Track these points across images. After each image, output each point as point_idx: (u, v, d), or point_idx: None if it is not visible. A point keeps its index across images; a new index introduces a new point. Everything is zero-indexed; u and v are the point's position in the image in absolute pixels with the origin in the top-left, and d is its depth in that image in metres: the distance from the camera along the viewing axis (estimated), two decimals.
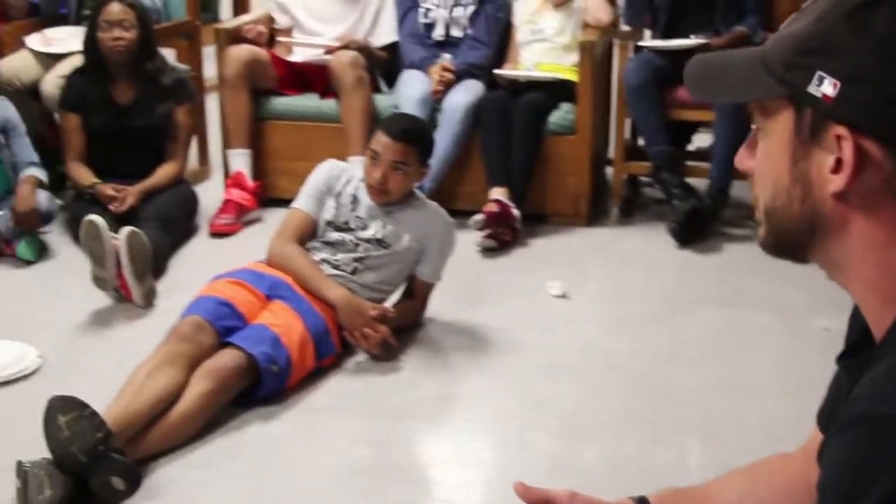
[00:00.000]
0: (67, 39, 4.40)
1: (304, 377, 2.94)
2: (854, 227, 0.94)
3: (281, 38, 4.51)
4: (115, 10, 3.99)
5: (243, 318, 2.90)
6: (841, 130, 0.91)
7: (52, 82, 4.22)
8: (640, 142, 4.39)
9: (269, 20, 4.62)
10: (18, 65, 4.36)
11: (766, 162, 1.00)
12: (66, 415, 2.31)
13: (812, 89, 0.92)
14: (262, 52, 4.35)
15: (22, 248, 3.82)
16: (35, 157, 3.99)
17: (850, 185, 0.92)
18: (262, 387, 2.81)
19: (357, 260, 3.16)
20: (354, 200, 3.20)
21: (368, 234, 3.17)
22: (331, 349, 3.04)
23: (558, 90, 4.26)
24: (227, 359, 2.75)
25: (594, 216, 4.36)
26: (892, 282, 0.93)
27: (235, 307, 2.90)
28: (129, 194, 3.89)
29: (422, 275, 3.27)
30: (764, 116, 1.00)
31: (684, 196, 4.10)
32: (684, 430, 2.73)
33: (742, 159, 1.06)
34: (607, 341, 3.27)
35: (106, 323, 3.38)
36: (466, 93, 4.26)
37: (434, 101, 4.25)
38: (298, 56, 4.51)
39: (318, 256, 3.15)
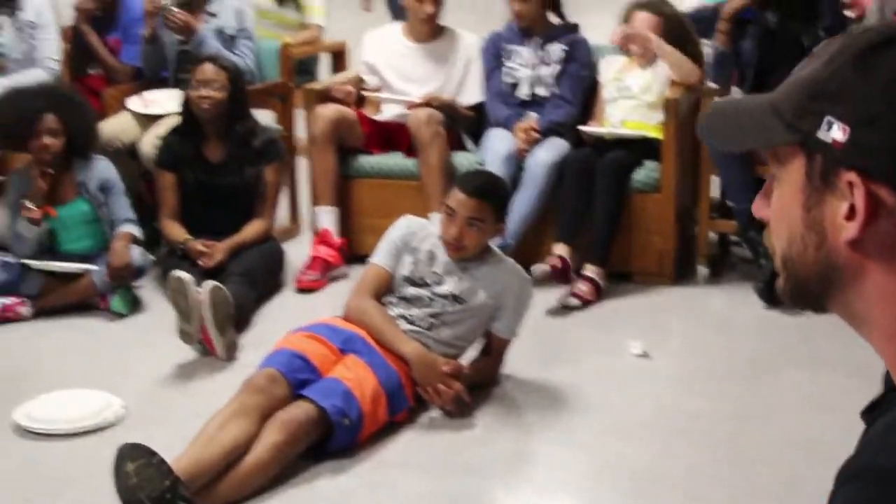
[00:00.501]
0: (165, 101, 4.56)
1: (376, 431, 2.96)
2: (870, 275, 0.91)
3: (367, 94, 4.59)
4: (207, 70, 4.13)
5: (317, 371, 2.94)
6: (852, 177, 0.88)
7: (149, 142, 4.38)
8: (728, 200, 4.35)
9: (359, 81, 4.71)
10: (119, 126, 4.54)
11: (780, 209, 0.99)
12: (134, 462, 2.37)
13: (821, 135, 0.90)
14: (349, 112, 4.44)
15: (115, 302, 3.95)
16: (131, 214, 4.13)
17: (864, 233, 0.89)
18: (333, 440, 2.84)
19: (433, 315, 3.18)
20: (431, 256, 3.23)
21: (444, 289, 3.19)
22: (404, 404, 3.05)
23: (643, 148, 4.26)
24: (299, 411, 2.79)
25: (680, 275, 4.31)
26: None
27: (309, 360, 2.95)
28: (218, 250, 3.99)
29: (498, 331, 3.27)
30: (777, 163, 0.99)
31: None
32: (761, 493, 2.66)
33: (759, 208, 1.03)
34: (686, 401, 3.21)
35: (189, 375, 3.46)
36: (550, 151, 4.28)
37: (519, 160, 4.28)
38: (385, 115, 4.59)
39: (394, 311, 3.19)
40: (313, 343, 3.03)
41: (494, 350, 3.30)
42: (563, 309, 3.98)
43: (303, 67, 5.89)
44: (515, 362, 3.38)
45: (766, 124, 0.96)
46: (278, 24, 5.97)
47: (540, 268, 3.95)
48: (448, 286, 3.20)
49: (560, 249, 4.09)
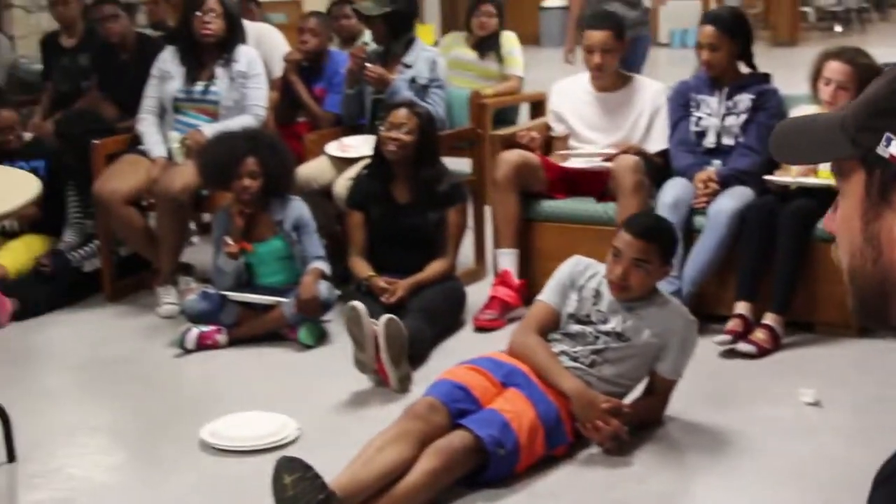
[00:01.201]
0: (361, 146, 4.80)
1: (533, 463, 3.02)
2: None
3: (560, 152, 4.69)
4: (400, 114, 4.34)
5: (477, 402, 3.03)
6: None
7: (342, 184, 4.62)
8: None
9: (545, 128, 4.83)
10: (315, 169, 4.81)
11: (843, 223, 1.01)
12: (291, 475, 2.52)
13: (881, 150, 0.93)
14: (532, 157, 4.55)
15: (303, 334, 4.18)
16: (321, 252, 4.36)
17: None
18: (489, 469, 2.92)
19: (596, 352, 3.22)
20: (597, 294, 3.29)
21: (608, 327, 3.24)
22: (563, 439, 3.10)
23: (829, 197, 4.16)
24: (456, 439, 2.88)
25: (867, 328, 4.17)
26: None
27: (471, 391, 3.05)
28: (399, 287, 4.16)
29: (662, 371, 3.28)
30: (841, 177, 1.01)
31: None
32: None
33: (828, 222, 1.07)
34: (854, 454, 3.12)
35: (363, 403, 3.63)
36: (733, 199, 4.25)
37: (697, 209, 4.27)
38: (572, 162, 4.67)
39: (557, 348, 3.25)
40: (476, 375, 3.13)
41: (658, 390, 3.31)
42: (738, 354, 3.93)
43: (502, 117, 6.08)
44: (680, 403, 3.37)
45: (833, 139, 0.99)
46: (480, 75, 6.20)
47: (721, 338, 3.97)
48: (612, 324, 3.24)
49: (741, 308, 4.06)
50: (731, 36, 4.41)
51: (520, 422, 2.98)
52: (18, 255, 4.92)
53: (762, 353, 3.94)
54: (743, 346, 3.96)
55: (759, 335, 3.98)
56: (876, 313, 0.99)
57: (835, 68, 4.29)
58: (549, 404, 3.09)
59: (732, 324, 4.03)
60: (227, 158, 4.25)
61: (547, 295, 3.36)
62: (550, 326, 3.31)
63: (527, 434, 2.98)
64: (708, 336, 4.15)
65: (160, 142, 4.74)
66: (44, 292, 4.72)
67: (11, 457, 3.25)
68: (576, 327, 3.27)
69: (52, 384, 3.92)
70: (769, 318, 4.03)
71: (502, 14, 6.19)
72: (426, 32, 12.13)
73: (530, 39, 17.65)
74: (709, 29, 4.40)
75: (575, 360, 3.23)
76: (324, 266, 4.31)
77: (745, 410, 3.45)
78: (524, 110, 6.54)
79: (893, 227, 0.93)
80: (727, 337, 3.98)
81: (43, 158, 5.02)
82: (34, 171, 4.96)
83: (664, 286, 4.10)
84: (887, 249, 0.94)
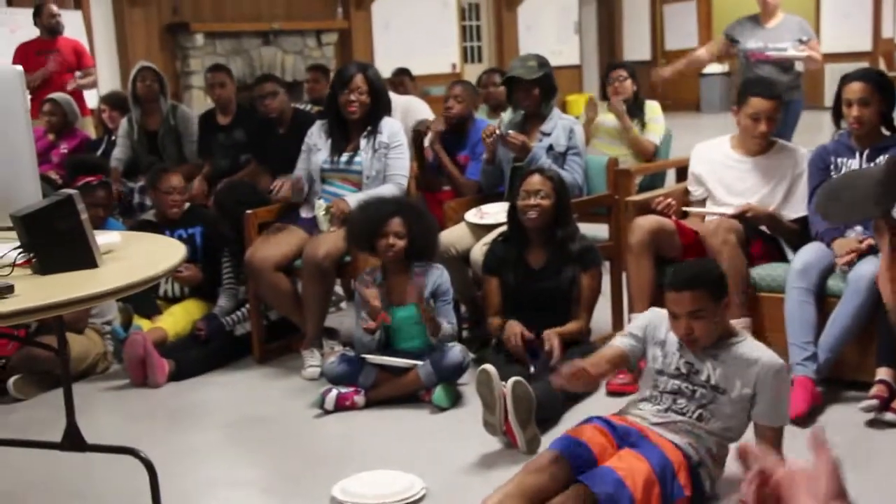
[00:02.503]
0: (498, 213, 4.91)
1: None
2: None
3: (687, 209, 4.69)
4: (534, 180, 4.44)
5: (595, 458, 3.06)
6: None
7: (479, 250, 4.73)
8: None
9: (683, 192, 4.83)
10: (456, 235, 4.94)
11: (882, 274, 1.05)
12: None
13: None
14: (667, 223, 4.56)
15: (437, 396, 4.27)
16: (453, 320, 4.48)
17: None
18: None
19: (701, 406, 3.21)
20: (681, 347, 3.26)
21: (702, 378, 3.22)
22: (679, 492, 3.08)
23: None
24: (573, 494, 2.92)
25: None
26: None
27: (590, 447, 3.08)
28: (553, 335, 4.21)
29: (764, 420, 3.19)
30: (877, 234, 1.06)
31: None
32: None
33: (879, 282, 1.10)
34: None
35: (490, 465, 3.68)
36: (874, 264, 4.14)
37: (841, 272, 4.20)
38: (713, 208, 4.66)
39: (661, 406, 3.25)
40: (595, 432, 3.16)
41: (767, 437, 3.19)
42: (882, 424, 3.82)
43: (647, 183, 6.11)
44: None
45: (865, 200, 1.04)
46: (617, 139, 6.27)
47: (867, 403, 3.88)
48: (704, 375, 3.22)
49: (883, 374, 3.96)
50: (880, 92, 4.35)
51: (633, 479, 2.98)
52: (178, 319, 5.22)
53: None
54: (888, 416, 3.85)
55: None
56: None
57: (852, 88, 4.30)
58: (662, 458, 3.08)
59: (876, 389, 3.92)
60: (373, 219, 4.42)
61: (619, 339, 3.38)
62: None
63: (642, 490, 2.97)
64: (847, 403, 4.08)
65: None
66: (199, 355, 4.99)
67: None
68: (672, 383, 3.26)
69: (200, 441, 4.12)
70: None
71: (635, 76, 6.24)
72: (580, 103, 12.29)
73: (691, 106, 17.63)
74: (858, 85, 4.33)
75: (683, 414, 3.22)
76: (451, 329, 4.40)
77: (875, 472, 3.35)
78: (671, 176, 6.54)
79: None
80: (874, 402, 3.88)
81: (199, 226, 5.35)
82: (191, 237, 5.29)
83: (797, 353, 4.06)
84: None
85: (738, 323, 3.75)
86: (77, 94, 8.00)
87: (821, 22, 15.85)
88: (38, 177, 3.04)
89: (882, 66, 13.51)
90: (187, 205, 5.46)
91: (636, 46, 18.74)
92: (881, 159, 4.35)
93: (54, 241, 2.84)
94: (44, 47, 8.26)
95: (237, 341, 5.15)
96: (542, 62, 5.22)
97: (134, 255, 3.13)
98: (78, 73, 8.32)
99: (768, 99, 4.57)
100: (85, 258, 2.87)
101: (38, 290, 2.66)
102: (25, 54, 8.14)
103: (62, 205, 2.87)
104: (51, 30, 8.20)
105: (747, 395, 3.20)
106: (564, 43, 17.27)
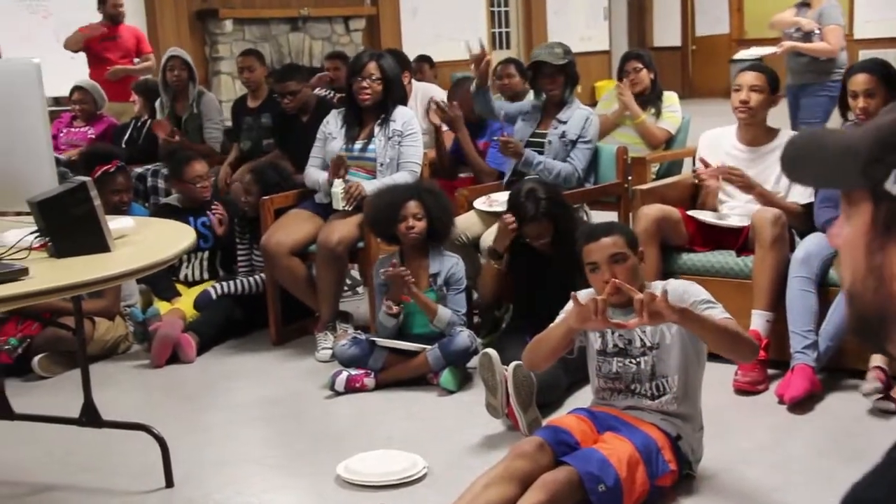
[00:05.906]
0: (506, 201, 4.99)
1: (643, 498, 3.10)
2: None
3: (695, 213, 4.75)
4: (531, 229, 4.48)
5: (578, 444, 3.16)
6: None
7: (488, 237, 4.83)
8: None
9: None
10: (467, 222, 5.04)
11: (847, 248, 1.01)
12: None
13: (889, 186, 0.93)
14: (673, 211, 4.63)
15: (445, 378, 4.38)
16: (463, 308, 4.59)
17: None
18: None
19: (652, 377, 3.25)
20: None
21: (637, 345, 3.26)
22: (664, 467, 3.17)
23: None
24: (560, 474, 3.00)
25: None
26: None
27: (572, 434, 3.18)
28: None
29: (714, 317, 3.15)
30: (848, 203, 1.01)
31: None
32: None
33: (833, 238, 1.06)
34: None
35: (492, 446, 3.79)
36: None
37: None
38: (706, 217, 4.71)
39: (624, 403, 3.31)
40: (577, 420, 3.27)
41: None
42: (878, 413, 3.89)
43: (664, 170, 6.17)
44: (809, 458, 3.37)
45: (843, 166, 0.98)
46: (636, 128, 6.32)
47: (871, 387, 3.92)
48: (637, 342, 3.26)
49: (878, 360, 4.01)
50: (886, 83, 4.38)
51: (618, 457, 3.05)
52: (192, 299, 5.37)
53: None
54: (885, 405, 3.91)
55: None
56: (874, 335, 1.01)
57: (858, 80, 4.33)
58: (644, 436, 3.16)
59: (874, 374, 3.94)
60: (391, 204, 4.53)
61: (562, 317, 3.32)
62: None
63: (626, 467, 3.05)
64: (847, 392, 4.14)
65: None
66: (215, 318, 5.19)
67: (169, 483, 3.58)
68: (617, 363, 3.28)
69: (213, 419, 4.25)
70: None
71: (651, 64, 6.28)
72: (609, 89, 12.29)
73: (721, 93, 17.52)
74: (863, 77, 4.37)
75: (644, 396, 3.27)
76: (458, 319, 4.51)
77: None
78: (688, 162, 6.60)
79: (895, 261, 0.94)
80: (878, 384, 3.90)
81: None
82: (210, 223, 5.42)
83: (798, 341, 4.13)
84: (889, 282, 0.96)
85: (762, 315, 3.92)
86: (131, 80, 8.12)
87: (854, 6, 15.63)
88: (54, 164, 3.18)
89: None
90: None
91: (666, 32, 18.64)
92: None
93: (68, 226, 2.98)
94: (106, 34, 8.40)
95: (249, 304, 5.30)
96: (566, 50, 5.32)
97: (146, 239, 3.26)
98: (136, 60, 8.48)
99: (751, 71, 4.64)
100: (98, 242, 3.01)
101: (52, 273, 2.80)
102: (89, 41, 8.31)
103: (76, 191, 3.01)
104: (113, 18, 8.35)
105: (676, 332, 3.21)
106: (594, 28, 17.24)
